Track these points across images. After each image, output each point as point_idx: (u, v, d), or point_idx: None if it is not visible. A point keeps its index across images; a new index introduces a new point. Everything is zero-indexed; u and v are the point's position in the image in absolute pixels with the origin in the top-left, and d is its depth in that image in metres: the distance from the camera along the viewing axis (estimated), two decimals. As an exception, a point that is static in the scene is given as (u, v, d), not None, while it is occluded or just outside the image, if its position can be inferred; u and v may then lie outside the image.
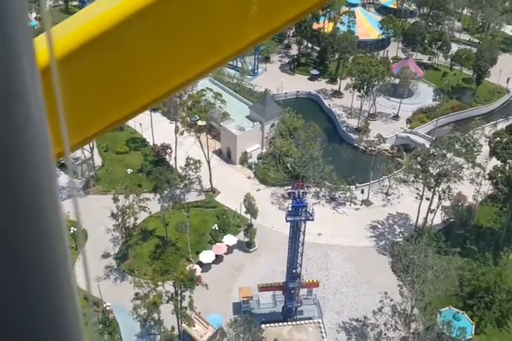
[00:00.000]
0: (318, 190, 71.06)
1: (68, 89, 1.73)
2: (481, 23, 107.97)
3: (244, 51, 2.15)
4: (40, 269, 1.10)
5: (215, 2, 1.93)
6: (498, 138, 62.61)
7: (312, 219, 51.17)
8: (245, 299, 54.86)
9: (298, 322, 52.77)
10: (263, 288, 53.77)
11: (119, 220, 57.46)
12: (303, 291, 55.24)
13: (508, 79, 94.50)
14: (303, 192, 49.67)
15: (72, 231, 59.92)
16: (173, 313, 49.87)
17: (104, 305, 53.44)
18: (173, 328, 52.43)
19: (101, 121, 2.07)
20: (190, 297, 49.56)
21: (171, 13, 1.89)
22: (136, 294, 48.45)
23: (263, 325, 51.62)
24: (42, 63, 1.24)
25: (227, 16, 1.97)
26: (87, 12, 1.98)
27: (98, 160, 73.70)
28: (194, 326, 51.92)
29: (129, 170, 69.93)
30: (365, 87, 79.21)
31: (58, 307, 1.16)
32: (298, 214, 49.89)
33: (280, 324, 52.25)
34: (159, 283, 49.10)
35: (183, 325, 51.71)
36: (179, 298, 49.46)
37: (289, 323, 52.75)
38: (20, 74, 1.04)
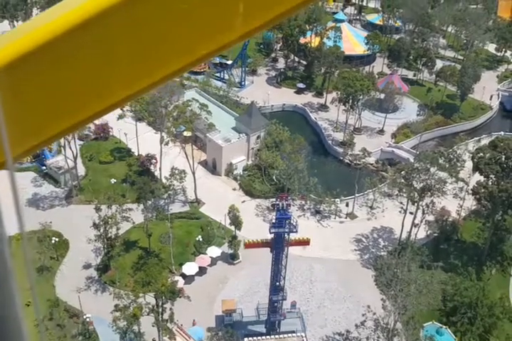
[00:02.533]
0: (303, 202, 70.99)
1: (14, 96, 1.75)
2: (465, 41, 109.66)
3: (188, 69, 2.07)
4: None
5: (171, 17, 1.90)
6: (481, 154, 63.13)
7: (296, 231, 50.83)
8: (228, 312, 54.29)
9: (281, 336, 52.21)
10: (249, 245, 52.99)
11: (101, 230, 56.76)
12: (286, 305, 54.83)
13: (492, 96, 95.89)
14: (287, 204, 49.45)
15: (53, 241, 59.21)
16: (153, 326, 49.10)
17: (85, 317, 52.55)
18: (154, 341, 51.66)
19: (47, 130, 2.01)
20: (171, 309, 48.84)
21: (117, 30, 1.86)
22: (116, 305, 47.67)
23: (246, 339, 51.00)
24: None
25: (175, 34, 1.93)
26: (35, 21, 1.91)
27: (81, 170, 73.00)
28: (175, 339, 51.13)
29: (113, 180, 69.34)
30: (350, 101, 79.78)
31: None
32: (282, 226, 49.63)
33: (263, 337, 51.66)
34: (140, 294, 48.38)
35: (164, 338, 50.90)
36: (160, 310, 48.71)
37: (272, 337, 52.17)
38: None
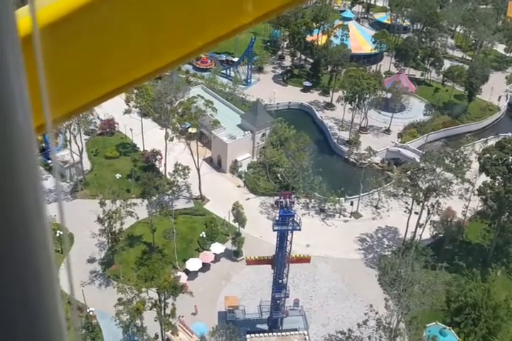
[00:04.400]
0: (307, 201, 70.82)
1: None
2: (473, 41, 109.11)
3: (189, 58, 2.08)
4: (22, 273, 1.14)
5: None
6: (488, 155, 62.78)
7: (299, 229, 50.58)
8: (231, 308, 54.24)
9: (283, 333, 52.09)
10: (251, 262, 52.85)
11: (106, 225, 56.79)
12: (289, 302, 54.71)
13: (500, 97, 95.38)
14: (290, 202, 49.23)
15: (57, 235, 59.20)
16: (156, 320, 49.10)
17: (88, 310, 52.63)
18: (156, 336, 51.63)
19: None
20: (173, 305, 48.81)
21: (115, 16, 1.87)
22: (119, 299, 47.69)
23: (248, 335, 50.93)
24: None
25: (176, 21, 1.94)
26: None
27: (87, 165, 73.06)
28: (178, 335, 51.12)
29: (118, 175, 69.37)
30: (356, 99, 79.43)
31: (40, 310, 1.19)
32: (285, 223, 49.44)
33: (265, 334, 51.58)
34: (143, 289, 48.38)
35: (167, 333, 50.91)
36: (162, 305, 48.70)
37: (275, 334, 52.09)
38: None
